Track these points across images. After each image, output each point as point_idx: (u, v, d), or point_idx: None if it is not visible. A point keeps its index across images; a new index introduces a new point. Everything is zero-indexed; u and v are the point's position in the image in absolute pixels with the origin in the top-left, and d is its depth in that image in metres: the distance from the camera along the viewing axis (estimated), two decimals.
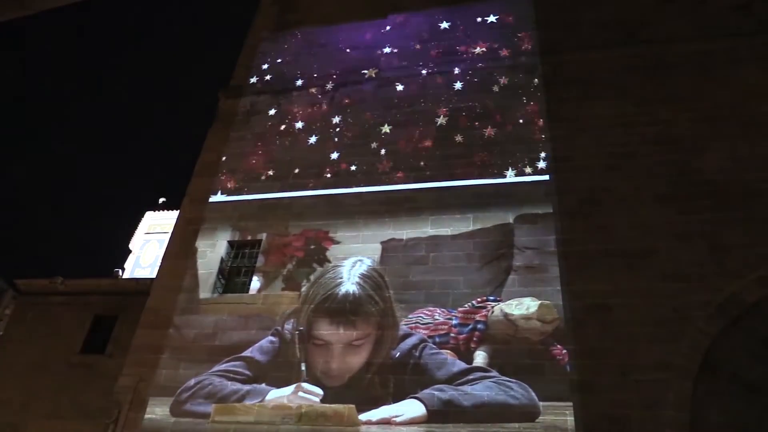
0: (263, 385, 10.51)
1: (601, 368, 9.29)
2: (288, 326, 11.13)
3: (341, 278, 11.47)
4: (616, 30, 13.60)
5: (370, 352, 10.47)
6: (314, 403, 10.09)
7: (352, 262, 11.69)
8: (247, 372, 10.74)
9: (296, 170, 13.46)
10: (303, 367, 10.55)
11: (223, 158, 14.18)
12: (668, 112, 11.89)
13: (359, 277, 11.39)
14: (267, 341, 11.03)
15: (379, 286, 11.19)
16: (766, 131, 11.09)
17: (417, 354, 10.17)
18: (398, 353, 10.29)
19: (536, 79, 13.33)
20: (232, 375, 10.76)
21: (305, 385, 10.34)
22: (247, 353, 10.93)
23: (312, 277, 11.74)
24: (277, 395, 10.33)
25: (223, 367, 10.90)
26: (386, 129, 13.56)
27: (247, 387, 10.55)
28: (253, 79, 15.69)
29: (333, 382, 10.31)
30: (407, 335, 10.46)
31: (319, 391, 10.21)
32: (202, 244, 12.86)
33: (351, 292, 11.21)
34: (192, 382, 10.85)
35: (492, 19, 14.87)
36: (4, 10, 6.22)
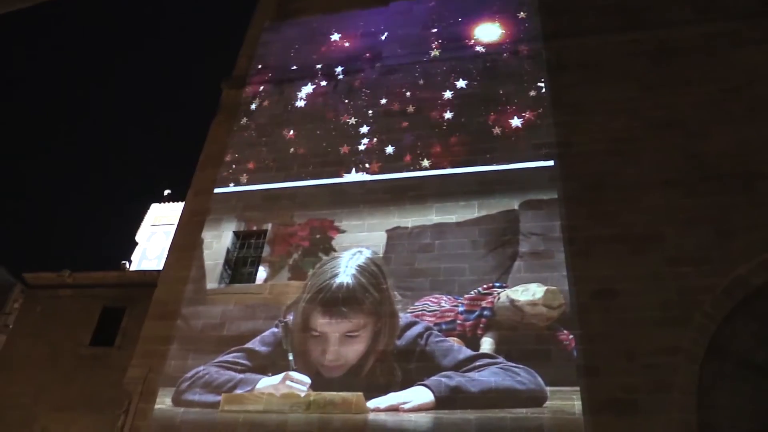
0: (255, 374, 10.64)
1: (608, 353, 9.31)
2: (290, 317, 11.21)
3: (338, 269, 11.53)
4: (618, 15, 13.50)
5: (369, 342, 10.53)
6: (301, 391, 10.21)
7: (352, 253, 11.73)
8: (247, 362, 10.86)
9: (300, 160, 13.46)
10: (290, 357, 10.68)
11: (228, 149, 14.19)
12: (672, 97, 11.82)
13: (356, 268, 11.44)
14: (270, 332, 11.13)
15: (375, 277, 11.24)
16: None
17: (422, 342, 10.22)
18: (403, 342, 10.34)
19: (539, 65, 13.27)
20: (231, 365, 10.88)
21: (293, 374, 10.48)
22: (249, 344, 11.05)
23: (314, 268, 11.80)
24: (267, 384, 10.48)
25: (223, 358, 11.02)
26: (389, 117, 13.54)
27: (240, 376, 10.69)
28: (256, 70, 15.67)
29: (332, 373, 10.39)
30: (412, 324, 10.50)
31: (307, 380, 10.35)
32: (208, 235, 12.91)
33: (345, 283, 11.27)
34: (191, 372, 11.00)
35: (494, 5, 14.79)
36: (5, 2, 6.22)
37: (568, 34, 13.55)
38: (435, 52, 14.38)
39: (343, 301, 11.04)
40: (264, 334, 11.13)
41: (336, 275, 11.45)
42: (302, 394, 10.20)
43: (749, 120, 11.04)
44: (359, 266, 11.47)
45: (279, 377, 10.49)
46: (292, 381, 10.39)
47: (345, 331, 10.72)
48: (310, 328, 10.96)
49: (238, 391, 10.50)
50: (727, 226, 10.00)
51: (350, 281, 11.28)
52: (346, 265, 11.55)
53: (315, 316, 11.06)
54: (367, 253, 11.64)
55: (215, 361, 11.01)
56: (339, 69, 14.89)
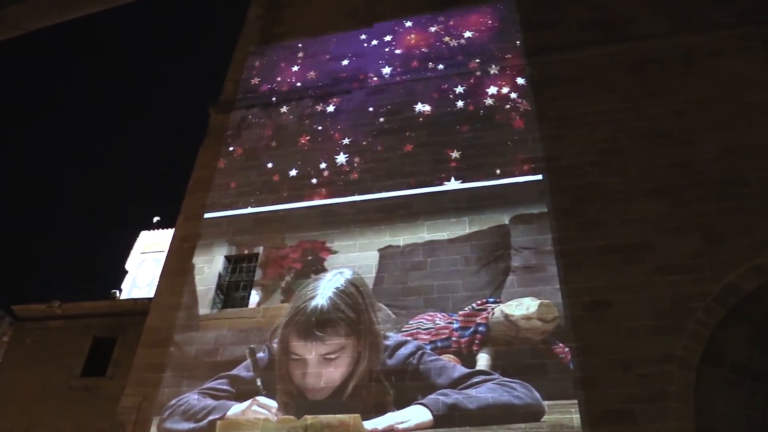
0: (229, 401, 10.62)
1: (604, 364, 9.33)
2: (275, 343, 11.18)
3: (315, 292, 11.54)
4: (599, 28, 13.73)
5: (351, 363, 10.50)
6: (268, 416, 10.21)
7: (332, 275, 11.75)
8: (230, 389, 10.81)
9: (290, 182, 13.48)
10: (259, 382, 10.69)
11: (216, 173, 14.19)
12: (655, 107, 12.00)
13: (333, 290, 11.44)
14: (256, 357, 11.08)
15: (352, 298, 11.25)
16: (752, 121, 11.20)
17: (414, 361, 10.18)
18: (394, 361, 10.31)
19: (523, 80, 13.43)
20: (214, 392, 10.84)
21: (260, 398, 10.50)
22: (234, 371, 10.99)
23: (297, 290, 11.81)
24: (237, 410, 10.48)
25: (208, 384, 10.97)
26: (377, 136, 13.62)
27: (215, 403, 10.66)
28: (242, 94, 15.74)
29: (315, 395, 10.35)
30: (403, 343, 10.47)
31: (273, 404, 10.36)
32: (199, 261, 12.85)
33: (319, 306, 11.28)
34: (174, 400, 10.94)
35: (476, 22, 14.98)
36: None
37: (550, 48, 13.73)
38: (419, 70, 14.50)
39: (317, 324, 11.02)
40: (250, 359, 11.10)
41: (312, 298, 11.46)
42: (268, 417, 10.19)
43: (732, 127, 11.22)
44: (336, 288, 11.47)
45: (248, 403, 10.50)
46: (259, 406, 10.41)
47: (322, 354, 10.70)
48: (290, 351, 10.94)
49: (211, 418, 10.46)
50: (715, 233, 10.11)
51: (325, 303, 11.27)
52: (325, 287, 11.56)
53: (292, 339, 11.06)
54: (347, 274, 11.64)
55: (199, 388, 10.96)
56: (325, 90, 14.97)
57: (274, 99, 15.30)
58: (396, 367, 10.23)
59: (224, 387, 10.85)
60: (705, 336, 9.27)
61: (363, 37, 15.78)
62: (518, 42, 14.24)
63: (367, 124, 13.94)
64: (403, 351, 10.35)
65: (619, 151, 11.59)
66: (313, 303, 11.35)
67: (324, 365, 10.58)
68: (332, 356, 10.63)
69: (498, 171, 12.15)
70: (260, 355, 11.08)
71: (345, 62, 15.44)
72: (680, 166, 11.06)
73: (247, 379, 10.85)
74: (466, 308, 10.55)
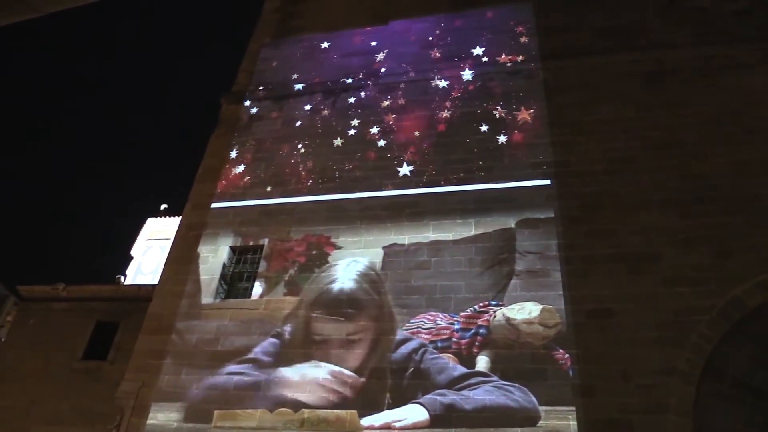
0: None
1: (604, 373, 9.27)
2: (287, 328, 11.20)
3: (335, 276, 11.63)
4: (617, 36, 13.63)
5: (367, 348, 10.52)
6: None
7: (348, 262, 11.81)
8: (257, 373, 10.79)
9: (298, 175, 13.49)
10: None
11: (226, 164, 14.21)
12: (669, 117, 11.90)
13: (356, 274, 11.54)
14: (269, 343, 11.09)
15: (374, 282, 11.33)
16: (767, 136, 11.08)
17: (417, 358, 10.19)
18: (397, 356, 10.32)
19: (537, 85, 13.36)
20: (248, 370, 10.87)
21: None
22: (251, 355, 10.99)
23: (309, 280, 11.84)
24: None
25: (233, 368, 10.91)
26: (388, 135, 13.59)
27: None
28: (255, 85, 15.75)
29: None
30: (407, 339, 10.48)
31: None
32: (204, 250, 12.89)
33: (346, 287, 11.37)
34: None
35: (493, 24, 14.91)
36: (10, 12, 6.26)
37: (566, 54, 13.65)
38: (433, 70, 14.46)
39: (346, 303, 11.12)
40: (263, 345, 11.10)
41: (334, 281, 11.55)
42: (265, 409, 10.25)
43: (746, 142, 11.10)
44: (359, 272, 11.56)
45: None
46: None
47: (347, 334, 10.75)
48: (312, 332, 10.97)
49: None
50: (723, 247, 10.02)
51: (351, 285, 11.39)
52: (344, 272, 11.63)
53: (317, 319, 11.09)
54: (364, 262, 11.72)
55: (226, 371, 10.87)
56: (338, 86, 14.96)
57: (286, 92, 15.30)
58: (399, 362, 10.25)
59: (252, 372, 10.80)
60: (707, 350, 9.20)
61: (377, 33, 15.75)
62: (534, 46, 14.16)
63: (377, 122, 13.92)
64: (407, 347, 10.38)
65: (630, 161, 11.51)
66: (338, 286, 11.45)
67: (345, 346, 10.63)
68: (355, 337, 10.70)
69: (507, 174, 12.09)
70: (272, 340, 11.11)
71: (358, 58, 15.42)
72: (692, 178, 10.97)
73: (268, 363, 10.84)
74: (468, 310, 10.53)
